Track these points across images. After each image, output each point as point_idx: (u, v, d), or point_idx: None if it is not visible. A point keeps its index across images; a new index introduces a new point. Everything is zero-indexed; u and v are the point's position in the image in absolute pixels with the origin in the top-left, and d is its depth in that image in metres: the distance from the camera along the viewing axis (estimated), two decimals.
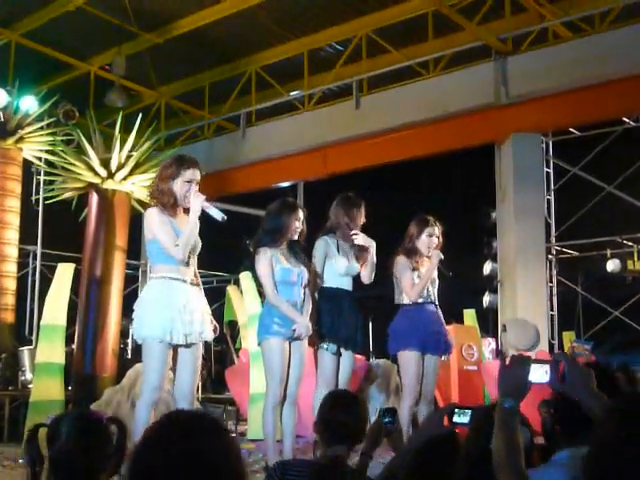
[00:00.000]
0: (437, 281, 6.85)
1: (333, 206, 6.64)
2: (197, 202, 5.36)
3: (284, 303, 5.98)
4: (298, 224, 6.11)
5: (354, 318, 6.45)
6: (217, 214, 5.42)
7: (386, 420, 3.57)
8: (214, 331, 5.61)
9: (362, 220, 6.57)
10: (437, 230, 6.78)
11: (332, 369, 6.29)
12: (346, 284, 6.49)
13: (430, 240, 6.75)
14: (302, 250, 6.24)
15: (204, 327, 5.45)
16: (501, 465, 2.35)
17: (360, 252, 6.52)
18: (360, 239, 6.43)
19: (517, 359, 2.54)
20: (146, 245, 5.59)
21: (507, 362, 2.55)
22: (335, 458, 3.37)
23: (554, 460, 2.69)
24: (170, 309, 5.29)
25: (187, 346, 5.39)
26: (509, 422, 2.41)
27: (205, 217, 5.49)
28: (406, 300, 6.72)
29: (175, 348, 5.40)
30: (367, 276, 6.55)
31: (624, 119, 13.01)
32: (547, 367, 2.51)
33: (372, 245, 6.47)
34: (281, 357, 5.91)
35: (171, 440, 1.81)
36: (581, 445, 2.52)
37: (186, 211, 5.49)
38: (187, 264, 5.44)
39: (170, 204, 5.42)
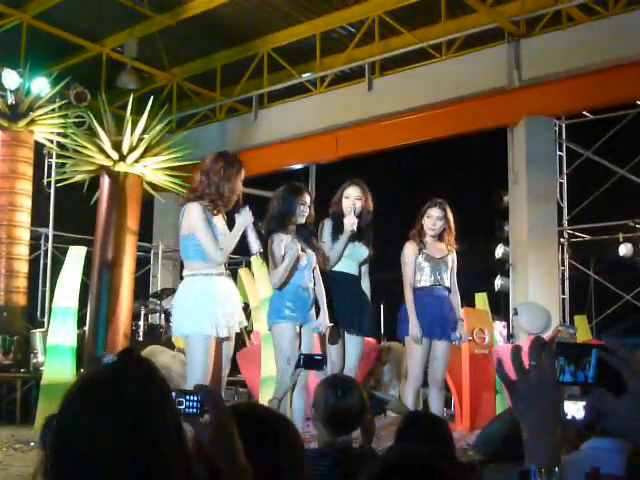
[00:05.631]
0: (454, 266, 6.82)
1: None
2: (248, 219, 5.41)
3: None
4: (304, 208, 6.10)
5: (358, 302, 6.45)
6: (254, 243, 5.49)
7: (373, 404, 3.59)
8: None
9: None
10: (437, 212, 6.72)
11: (337, 353, 6.30)
12: (351, 268, 6.49)
13: (429, 221, 6.71)
14: (311, 234, 6.23)
15: (243, 316, 5.60)
16: None
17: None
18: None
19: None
20: (180, 240, 5.62)
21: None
22: (346, 448, 3.36)
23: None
24: (213, 304, 5.36)
25: (227, 337, 5.48)
26: None
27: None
28: (416, 284, 6.71)
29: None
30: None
31: (638, 102, 12.91)
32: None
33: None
34: (292, 342, 5.91)
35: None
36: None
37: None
38: None
39: (224, 202, 5.46)
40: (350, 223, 6.33)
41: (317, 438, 3.59)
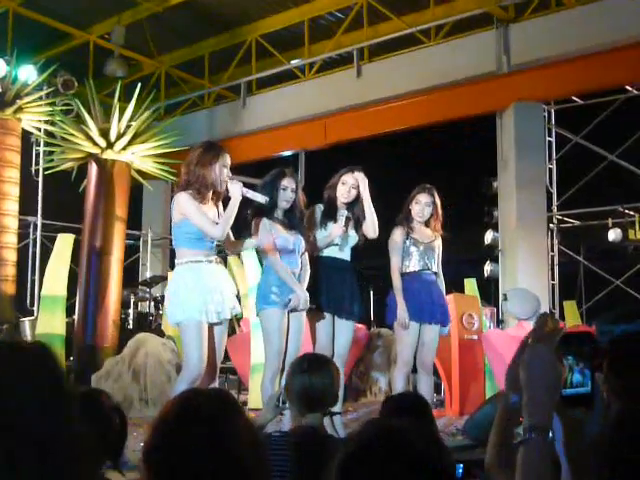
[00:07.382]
0: (440, 251, 6.82)
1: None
2: (236, 188, 5.48)
3: (285, 269, 5.95)
4: (287, 192, 6.04)
5: (347, 287, 6.41)
6: (259, 197, 5.67)
7: None
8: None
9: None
10: (426, 197, 6.71)
11: (326, 338, 6.27)
12: (342, 253, 6.44)
13: (418, 207, 6.70)
14: (300, 219, 6.19)
15: (234, 302, 5.63)
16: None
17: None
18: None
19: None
20: (173, 229, 5.70)
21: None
22: (311, 428, 3.36)
23: None
24: (202, 292, 5.42)
25: (218, 322, 5.55)
26: (510, 419, 2.04)
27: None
28: (404, 270, 6.70)
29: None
30: None
31: (627, 87, 12.92)
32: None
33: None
34: (279, 328, 5.89)
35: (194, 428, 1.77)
36: None
37: (214, 198, 5.63)
38: (212, 247, 5.59)
39: (206, 189, 5.50)
40: (336, 234, 6.32)
41: (290, 418, 3.61)
